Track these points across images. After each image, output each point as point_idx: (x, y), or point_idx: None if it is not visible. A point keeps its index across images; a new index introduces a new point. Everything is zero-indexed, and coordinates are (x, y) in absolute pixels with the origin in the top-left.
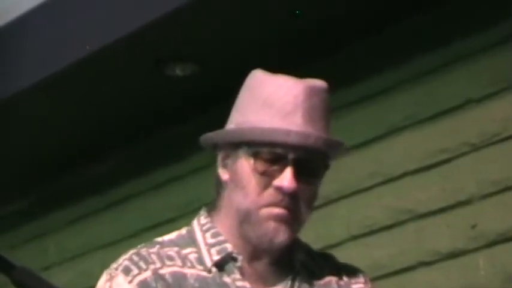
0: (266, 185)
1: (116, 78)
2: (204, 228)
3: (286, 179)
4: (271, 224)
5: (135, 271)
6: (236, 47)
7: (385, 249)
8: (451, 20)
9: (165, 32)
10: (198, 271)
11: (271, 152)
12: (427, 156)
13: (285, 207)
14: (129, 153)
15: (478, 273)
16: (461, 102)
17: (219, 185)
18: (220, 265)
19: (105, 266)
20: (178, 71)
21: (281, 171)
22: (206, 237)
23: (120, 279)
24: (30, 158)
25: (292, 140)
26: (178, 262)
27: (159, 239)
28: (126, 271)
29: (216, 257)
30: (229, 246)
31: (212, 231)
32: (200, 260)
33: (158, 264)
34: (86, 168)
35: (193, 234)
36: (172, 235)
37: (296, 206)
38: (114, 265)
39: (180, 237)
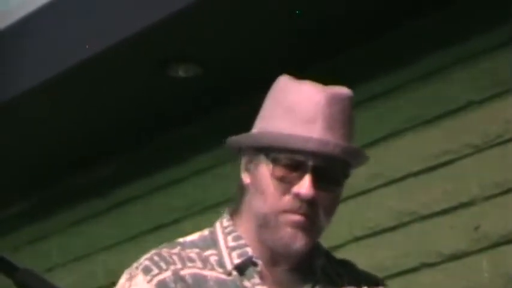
0: (285, 191)
1: (118, 80)
2: (226, 231)
3: (304, 186)
4: (289, 230)
5: (155, 271)
6: (239, 48)
7: (388, 251)
8: (453, 22)
9: (168, 33)
10: (218, 274)
11: (290, 158)
12: (429, 158)
13: (303, 214)
14: (131, 155)
15: (481, 274)
16: (463, 104)
17: (241, 188)
18: (241, 269)
19: (107, 267)
20: (181, 73)
21: (300, 178)
22: (228, 240)
23: (140, 279)
24: (33, 160)
25: (310, 146)
26: (199, 264)
27: (181, 239)
28: (146, 271)
29: (237, 261)
30: (249, 250)
31: (234, 234)
32: (220, 263)
33: (179, 265)
34: (88, 170)
35: (215, 236)
36: (195, 236)
37: (314, 213)
38: (135, 264)
39: (202, 238)
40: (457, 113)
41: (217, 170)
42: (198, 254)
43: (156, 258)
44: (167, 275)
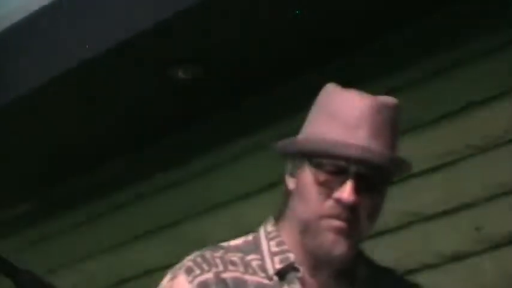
0: (326, 197)
1: (119, 82)
2: (270, 236)
3: (345, 191)
4: (330, 236)
5: (197, 272)
6: (239, 50)
7: (390, 252)
8: (455, 24)
9: (168, 35)
10: (259, 278)
11: (332, 164)
12: (431, 158)
13: (344, 220)
14: (132, 156)
15: (483, 275)
16: (465, 105)
17: (286, 194)
18: (282, 274)
19: (109, 269)
20: (182, 74)
21: (342, 183)
22: (270, 245)
23: (181, 279)
24: (34, 162)
25: (352, 153)
26: (241, 268)
27: (225, 243)
28: (188, 271)
29: (279, 266)
30: (291, 256)
31: (277, 239)
32: (263, 268)
33: (221, 268)
34: (89, 172)
35: (259, 241)
36: (239, 240)
37: (356, 220)
38: (178, 265)
39: (246, 243)
40: (458, 113)
41: (218, 171)
42: (240, 258)
43: (199, 259)
44: (209, 276)
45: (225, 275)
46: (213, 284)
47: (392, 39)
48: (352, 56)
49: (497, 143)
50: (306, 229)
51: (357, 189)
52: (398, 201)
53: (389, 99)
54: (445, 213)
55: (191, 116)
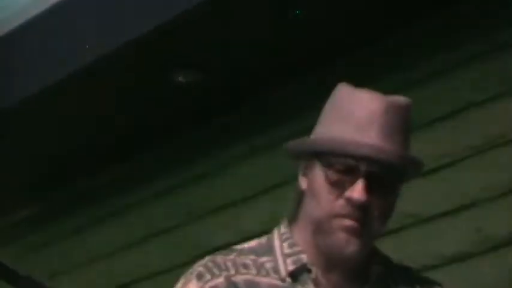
0: (338, 196)
1: (119, 86)
2: (283, 237)
3: (356, 190)
4: (342, 235)
5: (208, 277)
6: (240, 54)
7: (390, 254)
8: (455, 24)
9: (169, 39)
10: (271, 280)
11: (343, 163)
12: (431, 159)
13: (356, 220)
14: (132, 161)
15: (484, 276)
16: (465, 105)
17: (299, 194)
18: (295, 275)
19: (110, 274)
20: (182, 78)
21: (353, 183)
22: (283, 247)
23: (193, 285)
24: (35, 168)
25: (363, 152)
26: (253, 270)
27: (239, 246)
28: (200, 277)
29: (291, 267)
30: (304, 257)
31: (290, 241)
32: (275, 269)
33: (232, 271)
34: (90, 177)
35: (272, 242)
36: (253, 243)
37: (367, 219)
38: (190, 270)
39: (259, 245)
40: (458, 114)
41: (218, 175)
42: (253, 260)
43: (210, 264)
44: (220, 281)
45: (236, 278)
46: None
47: (391, 40)
48: (351, 58)
49: (497, 143)
50: (318, 228)
51: (369, 189)
52: (398, 202)
53: (401, 99)
54: (446, 214)
55: (191, 120)
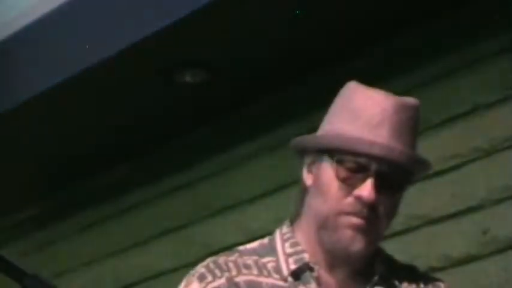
0: (346, 193)
1: (126, 86)
2: (285, 237)
3: (366, 189)
4: (348, 232)
5: (209, 278)
6: (246, 53)
7: (397, 255)
8: (461, 26)
9: (175, 39)
10: (274, 280)
11: (354, 161)
12: (438, 162)
13: (363, 218)
14: (139, 160)
15: (490, 278)
16: (471, 108)
17: (303, 191)
18: (297, 275)
19: (116, 272)
20: (189, 78)
21: (362, 181)
22: (285, 247)
23: (194, 286)
24: (41, 166)
25: (375, 151)
26: (255, 271)
27: (241, 247)
28: (201, 278)
29: (293, 266)
30: (306, 256)
31: (291, 240)
32: (277, 269)
33: (234, 272)
34: (96, 176)
35: (274, 243)
36: (255, 243)
37: (375, 218)
38: (192, 272)
39: (262, 246)
40: (465, 116)
41: (225, 174)
42: (255, 261)
43: (211, 265)
44: (221, 282)
45: (238, 279)
46: None
47: (398, 41)
48: (356, 59)
49: (504, 145)
50: (324, 225)
51: (377, 188)
52: (404, 204)
53: (411, 99)
54: (452, 216)
55: (198, 119)
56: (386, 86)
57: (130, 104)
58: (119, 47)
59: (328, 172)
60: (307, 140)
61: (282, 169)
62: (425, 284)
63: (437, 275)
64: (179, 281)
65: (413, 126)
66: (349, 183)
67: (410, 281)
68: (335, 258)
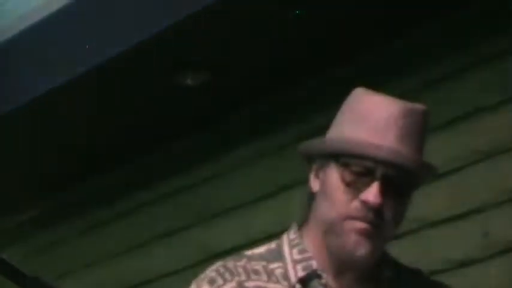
0: (353, 198)
1: (126, 88)
2: (292, 243)
3: (372, 193)
4: (353, 237)
5: (220, 282)
6: (248, 55)
7: (397, 258)
8: (462, 28)
9: (177, 40)
10: (282, 287)
11: (360, 165)
12: (438, 164)
13: (369, 222)
14: (140, 162)
15: (490, 281)
16: (472, 110)
17: (310, 196)
18: (305, 282)
19: (117, 275)
20: (190, 80)
21: (369, 185)
22: (293, 253)
23: None
24: (41, 168)
25: (382, 155)
26: (264, 277)
27: (249, 252)
28: (211, 282)
29: (301, 274)
30: (314, 263)
31: (299, 247)
32: (285, 276)
33: (243, 277)
34: (96, 178)
35: (282, 248)
36: (262, 249)
37: (381, 222)
38: (202, 276)
39: (269, 251)
40: (465, 119)
41: (225, 177)
42: (264, 267)
43: (221, 269)
44: (231, 285)
45: (248, 284)
46: None
47: (399, 44)
48: (358, 61)
49: (505, 148)
50: (330, 229)
51: (384, 192)
52: None
53: (417, 105)
54: (453, 219)
55: (198, 121)
56: (386, 88)
57: (131, 106)
58: (119, 48)
59: (334, 176)
60: (313, 144)
61: (283, 171)
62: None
63: (438, 278)
64: (181, 284)
65: (420, 131)
66: (355, 187)
67: (417, 285)
68: (342, 264)
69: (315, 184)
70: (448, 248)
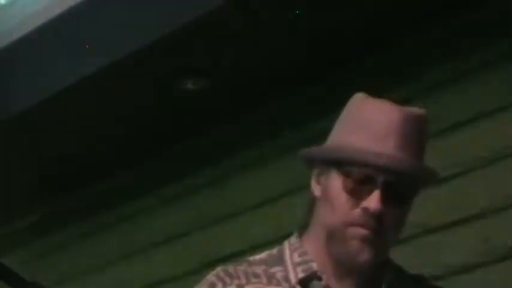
0: (354, 205)
1: (126, 93)
2: (293, 247)
3: (373, 200)
4: (355, 244)
5: (219, 286)
6: (247, 61)
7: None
8: (463, 33)
9: (177, 46)
10: None
11: (361, 172)
12: (439, 169)
13: (370, 229)
14: (140, 167)
15: (491, 287)
16: (472, 116)
17: (311, 202)
18: (305, 283)
19: (116, 281)
20: (190, 85)
21: (370, 192)
22: (294, 256)
23: None
24: (41, 173)
25: (382, 162)
26: (264, 280)
27: (251, 257)
28: (211, 285)
29: (301, 275)
30: (314, 265)
31: (300, 250)
32: (286, 278)
33: (243, 281)
34: (97, 183)
35: (283, 253)
36: (263, 254)
37: (382, 229)
38: (202, 281)
39: (270, 256)
40: (466, 125)
41: (225, 183)
42: (264, 270)
43: (221, 273)
44: None
45: (248, 287)
46: None
47: (399, 49)
48: (358, 67)
49: (505, 154)
50: (332, 236)
51: (385, 199)
52: None
53: (417, 110)
54: (453, 224)
55: (198, 127)
56: (386, 94)
57: (130, 112)
58: (119, 55)
59: (336, 183)
60: (315, 151)
61: (284, 177)
62: None
63: (439, 283)
64: None
65: (421, 137)
66: (356, 194)
67: None
68: (343, 269)
69: (316, 189)
70: (448, 254)
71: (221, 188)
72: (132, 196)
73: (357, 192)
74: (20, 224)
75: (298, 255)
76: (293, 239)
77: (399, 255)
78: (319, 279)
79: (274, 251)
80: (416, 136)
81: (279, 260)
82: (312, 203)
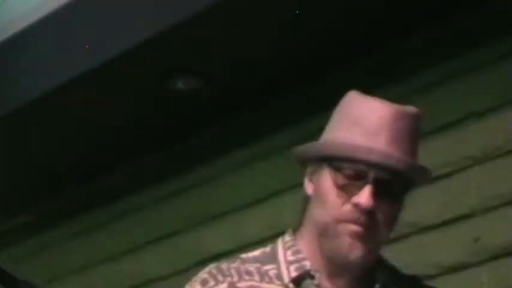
0: (345, 201)
1: (118, 92)
2: (287, 245)
3: (364, 196)
4: (347, 240)
5: (212, 283)
6: (240, 60)
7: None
8: (455, 34)
9: (168, 45)
10: (275, 286)
11: (352, 168)
12: (430, 169)
13: (362, 225)
14: (130, 167)
15: (481, 287)
16: (464, 116)
17: (305, 200)
18: (298, 282)
19: (108, 279)
20: (182, 85)
21: (361, 188)
22: (287, 255)
23: None
24: (34, 172)
25: (373, 158)
26: (257, 277)
27: (244, 255)
28: (203, 283)
29: (294, 274)
30: (307, 264)
31: (293, 248)
32: (279, 276)
33: (235, 278)
34: (89, 182)
35: (276, 251)
36: (257, 252)
37: (374, 225)
38: (195, 278)
39: (264, 254)
40: (457, 124)
41: (217, 182)
42: (257, 268)
43: (214, 271)
44: (223, 286)
45: (240, 285)
46: None
47: (391, 49)
48: (352, 67)
49: (496, 154)
50: (324, 233)
51: (376, 195)
52: None
53: (410, 108)
54: (443, 224)
55: (190, 127)
56: (379, 93)
57: (122, 111)
58: (112, 53)
59: (327, 180)
60: (307, 148)
61: (274, 177)
62: None
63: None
64: None
65: (412, 134)
66: (347, 190)
67: None
68: (336, 266)
69: (309, 188)
70: (438, 253)
71: (212, 188)
72: (123, 196)
73: (348, 188)
74: (13, 223)
75: (292, 253)
76: (287, 237)
77: (390, 254)
78: (312, 277)
79: (267, 248)
80: (408, 133)
81: (272, 258)
82: (305, 202)
